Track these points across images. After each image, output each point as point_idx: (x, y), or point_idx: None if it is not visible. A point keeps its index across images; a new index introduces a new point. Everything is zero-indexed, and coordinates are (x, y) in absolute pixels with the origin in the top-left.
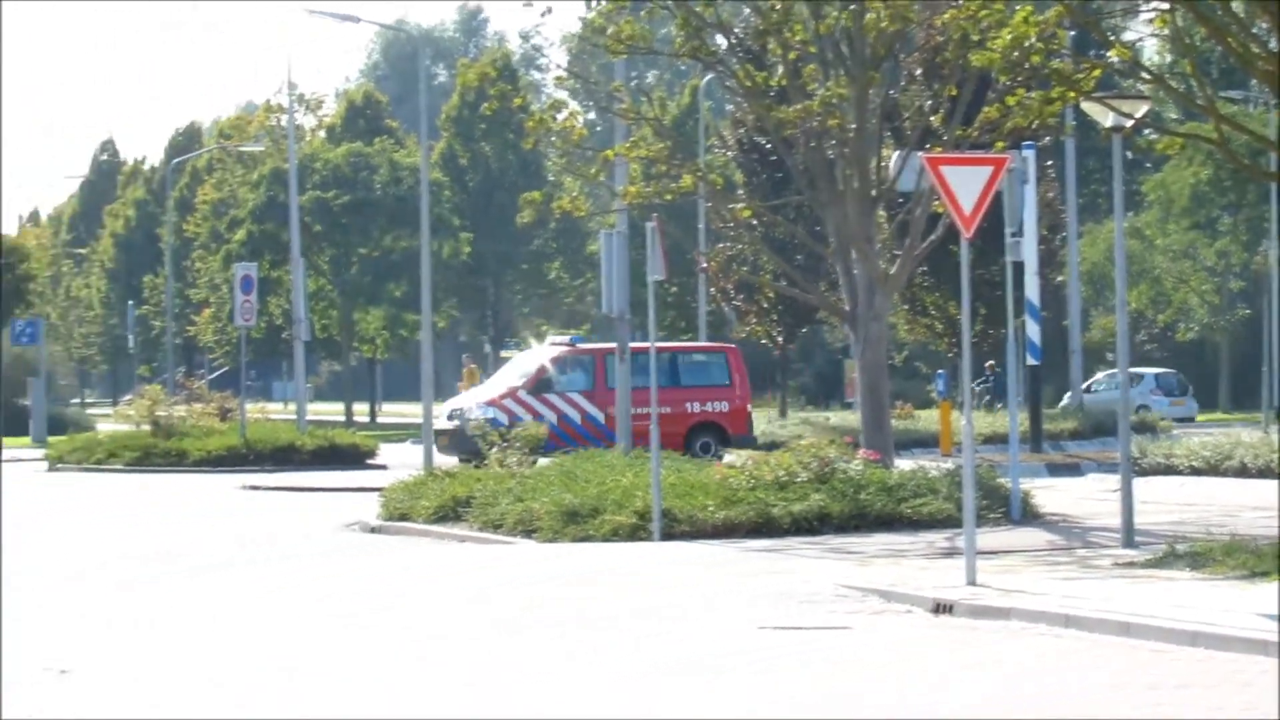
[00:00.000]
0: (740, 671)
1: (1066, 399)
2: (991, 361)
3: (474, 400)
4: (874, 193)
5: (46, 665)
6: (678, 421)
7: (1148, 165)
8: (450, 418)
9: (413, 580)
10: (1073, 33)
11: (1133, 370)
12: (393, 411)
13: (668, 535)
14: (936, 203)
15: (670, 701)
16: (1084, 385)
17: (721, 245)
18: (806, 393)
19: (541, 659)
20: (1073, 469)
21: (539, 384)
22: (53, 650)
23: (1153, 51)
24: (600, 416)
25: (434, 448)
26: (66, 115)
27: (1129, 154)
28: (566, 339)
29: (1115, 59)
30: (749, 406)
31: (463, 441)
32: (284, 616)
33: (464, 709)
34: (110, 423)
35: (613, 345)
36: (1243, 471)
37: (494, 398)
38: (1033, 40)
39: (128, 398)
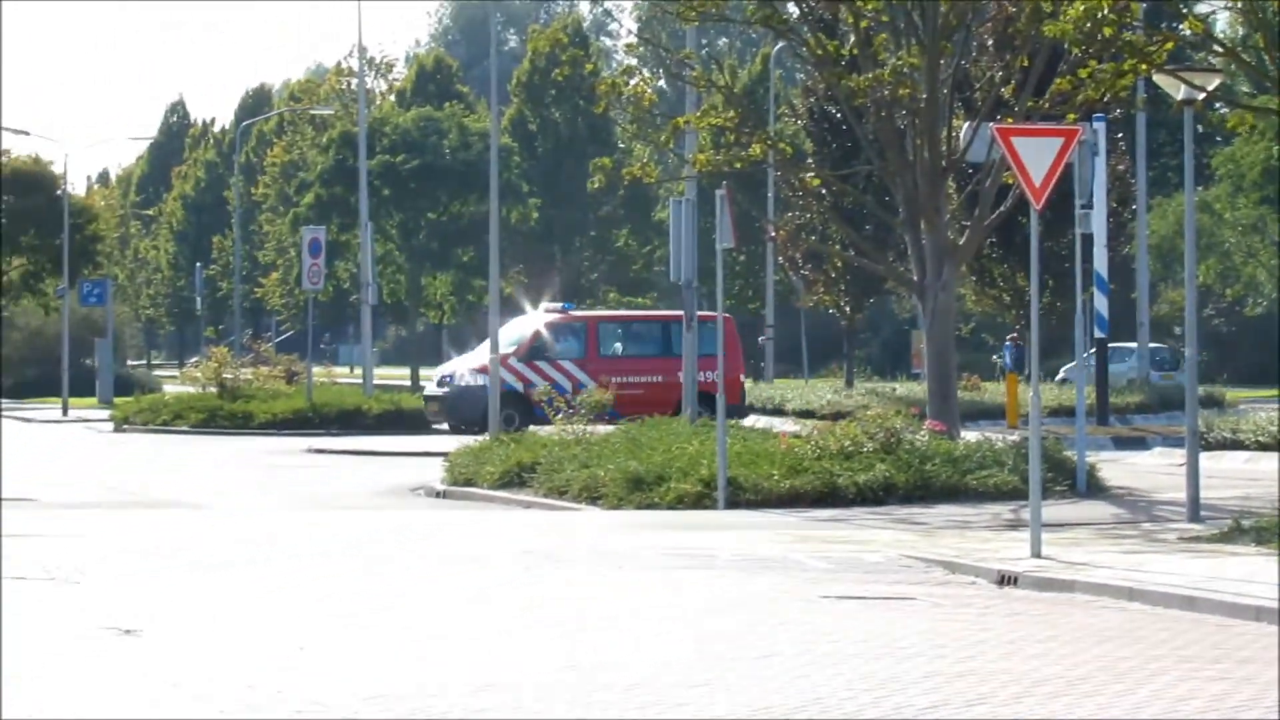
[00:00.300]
0: (801, 641)
1: (1063, 372)
2: (1014, 334)
3: (466, 366)
4: (944, 163)
5: (112, 626)
6: (670, 390)
7: (1218, 139)
8: (441, 384)
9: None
10: (1145, 4)
11: (1125, 345)
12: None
13: (733, 504)
14: (1006, 174)
15: (743, 657)
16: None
17: (790, 214)
18: (873, 363)
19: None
20: (1139, 443)
21: (531, 350)
22: (119, 611)
23: (1225, 24)
24: (592, 385)
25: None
26: (137, 76)
27: (1200, 127)
28: (559, 305)
29: (1188, 31)
30: (741, 376)
31: (455, 409)
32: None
33: None
34: (177, 384)
35: (605, 313)
36: None
37: (485, 364)
38: (1105, 12)
39: (194, 360)
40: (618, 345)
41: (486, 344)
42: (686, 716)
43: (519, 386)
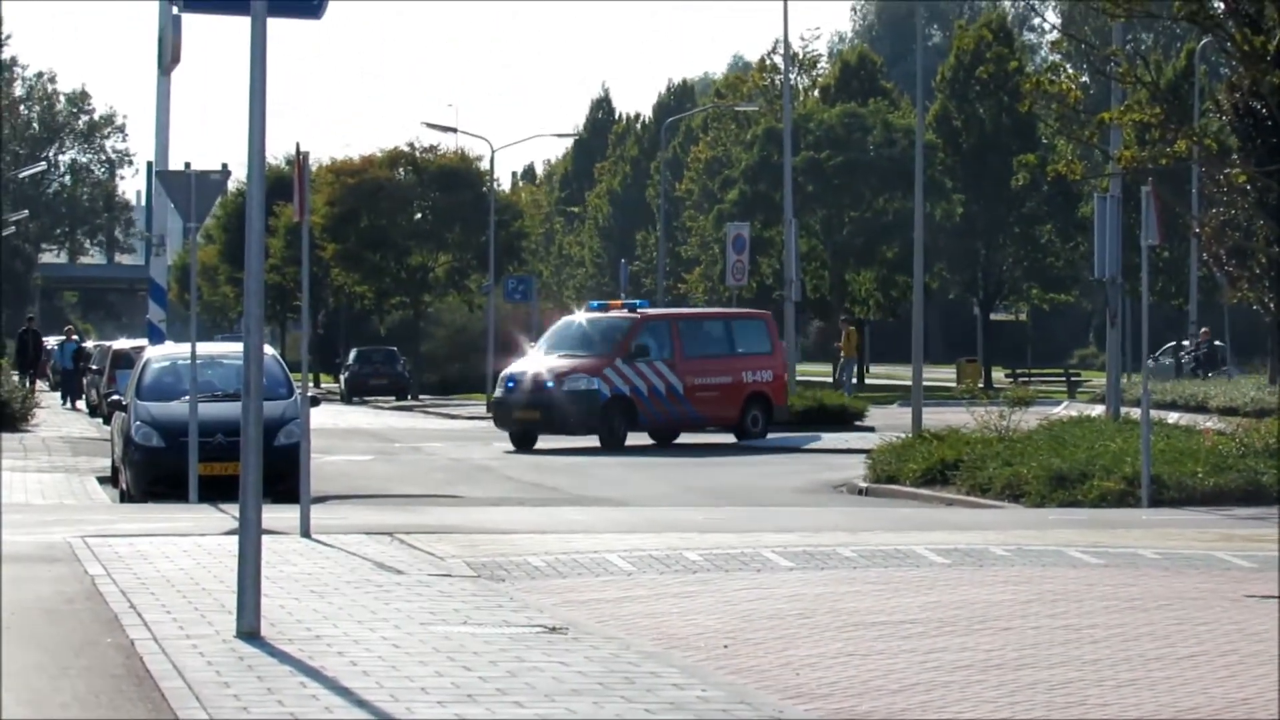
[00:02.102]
0: (1226, 640)
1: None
2: (1206, 329)
3: (548, 368)
4: None
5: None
6: (736, 392)
7: None
8: (508, 387)
9: None
10: None
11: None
12: (880, 373)
13: (1156, 501)
14: None
15: (1167, 656)
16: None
17: (1215, 210)
18: None
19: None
20: None
21: (633, 351)
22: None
23: None
24: (680, 386)
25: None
26: (562, 72)
27: None
28: (624, 303)
29: None
30: (786, 376)
31: (564, 416)
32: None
33: None
34: None
35: (686, 310)
36: None
37: (588, 366)
38: None
39: None
40: (691, 345)
41: (542, 346)
42: (1109, 717)
43: (626, 390)
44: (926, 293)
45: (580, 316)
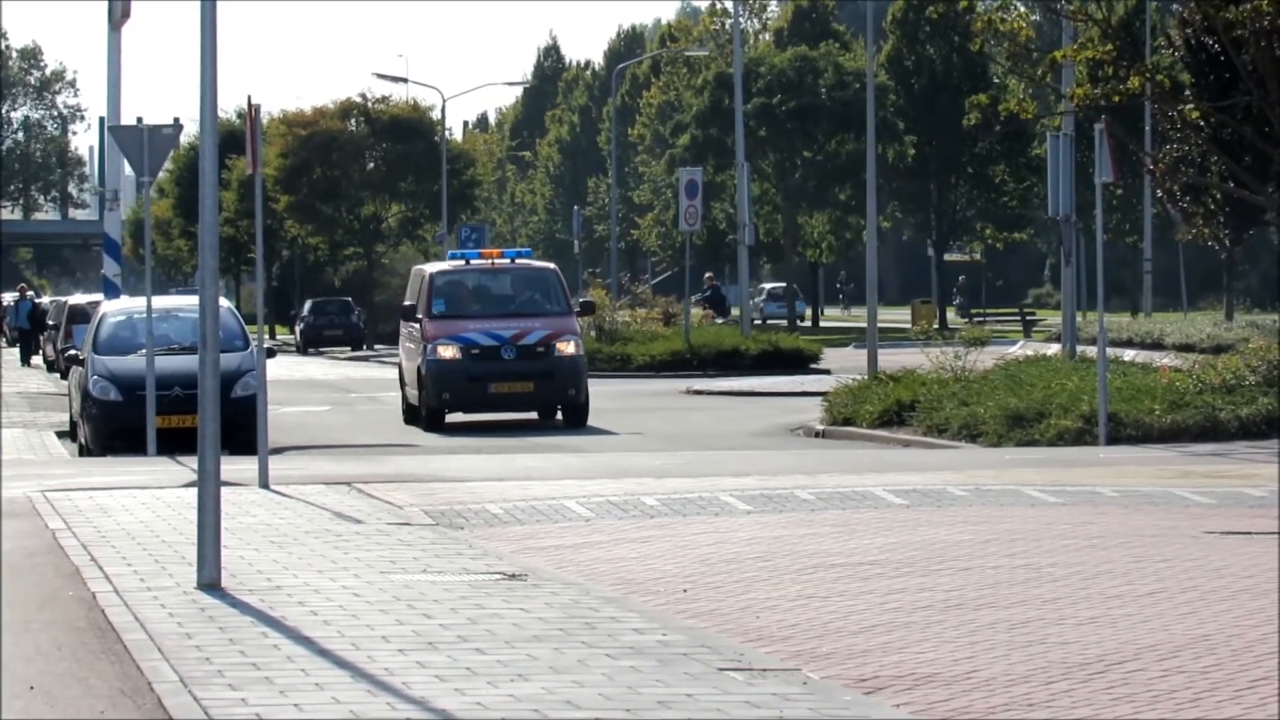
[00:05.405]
0: (1186, 576)
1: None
2: (710, 274)
3: (523, 330)
4: None
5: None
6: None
7: None
8: (471, 354)
9: None
10: None
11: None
12: (835, 315)
13: (1113, 439)
14: None
15: (1127, 594)
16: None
17: (1169, 147)
18: (1252, 295)
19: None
20: None
21: (579, 309)
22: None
23: None
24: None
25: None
26: (512, 20)
27: None
28: (503, 252)
29: None
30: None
31: (559, 388)
32: None
33: None
34: None
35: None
36: None
37: (569, 327)
38: None
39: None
40: None
41: (439, 300)
42: (1070, 655)
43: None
44: (880, 235)
45: (457, 267)
